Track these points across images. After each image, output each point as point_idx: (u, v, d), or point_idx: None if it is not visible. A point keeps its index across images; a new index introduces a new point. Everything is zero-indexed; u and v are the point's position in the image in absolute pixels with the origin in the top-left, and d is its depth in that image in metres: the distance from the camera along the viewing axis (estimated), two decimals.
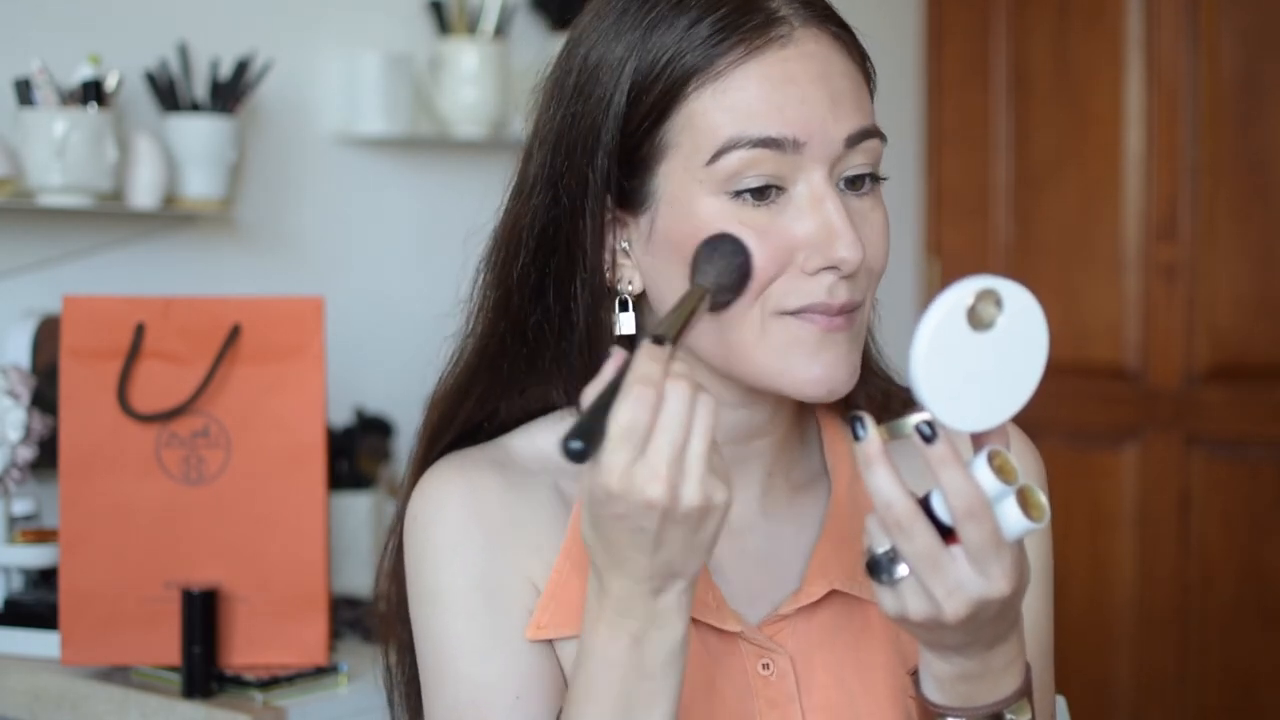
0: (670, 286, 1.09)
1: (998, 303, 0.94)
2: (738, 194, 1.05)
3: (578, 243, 1.11)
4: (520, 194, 1.14)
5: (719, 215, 1.05)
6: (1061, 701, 1.36)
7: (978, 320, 0.93)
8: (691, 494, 0.92)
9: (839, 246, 1.04)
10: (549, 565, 1.13)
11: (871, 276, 1.09)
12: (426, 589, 1.13)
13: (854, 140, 1.06)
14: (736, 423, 1.13)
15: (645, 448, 0.92)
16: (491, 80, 2.66)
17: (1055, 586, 1.20)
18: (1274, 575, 3.15)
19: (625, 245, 1.11)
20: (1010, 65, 3.42)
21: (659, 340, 0.94)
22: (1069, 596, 2.27)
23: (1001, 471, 0.94)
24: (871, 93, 1.12)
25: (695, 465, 0.93)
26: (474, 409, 1.18)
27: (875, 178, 1.09)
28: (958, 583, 0.93)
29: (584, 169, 1.09)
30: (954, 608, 0.93)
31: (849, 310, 1.07)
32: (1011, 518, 0.93)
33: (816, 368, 1.06)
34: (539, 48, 2.82)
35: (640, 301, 1.12)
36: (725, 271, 1.03)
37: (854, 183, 1.08)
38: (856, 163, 1.07)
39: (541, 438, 1.18)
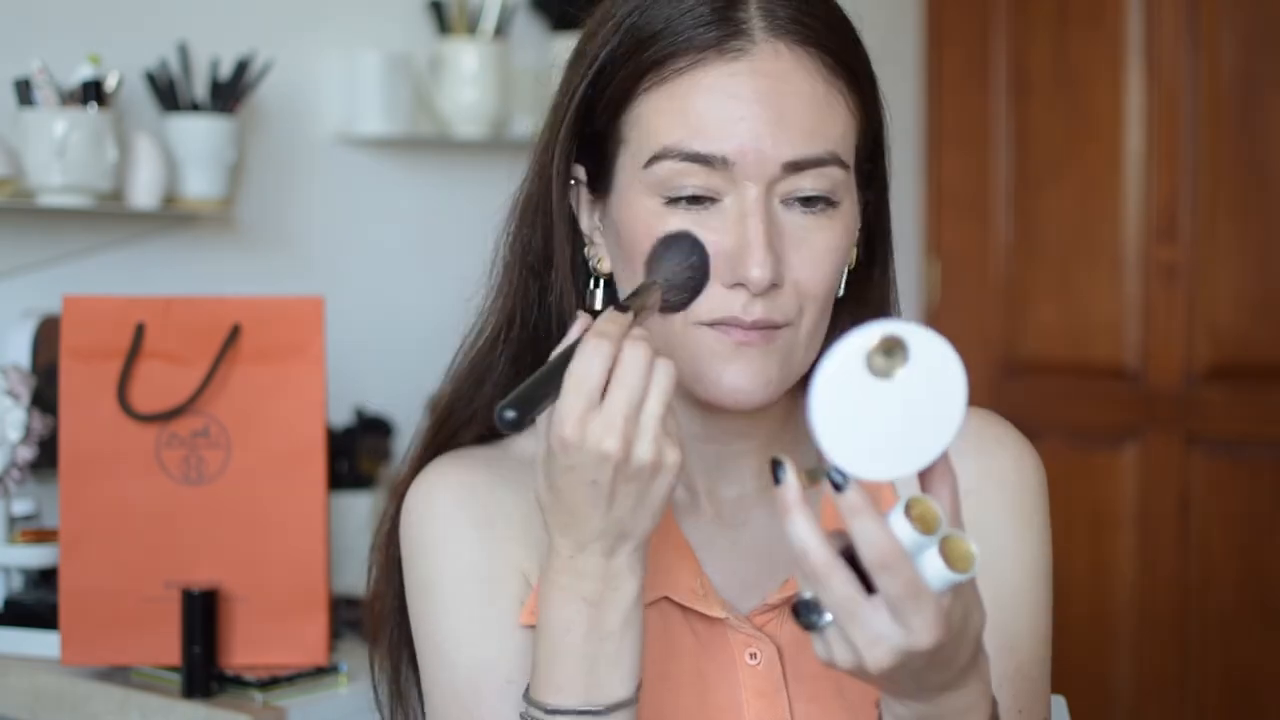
0: (621, 272, 1.11)
1: (902, 349, 0.89)
2: (672, 200, 1.06)
3: (550, 218, 1.13)
4: (530, 164, 1.17)
5: (652, 216, 1.07)
6: (1061, 701, 1.36)
7: (878, 368, 0.89)
8: (645, 450, 0.94)
9: (749, 264, 1.04)
10: (541, 557, 1.13)
11: (805, 298, 1.07)
12: (420, 581, 1.15)
13: (795, 168, 1.05)
14: (718, 425, 1.14)
15: (602, 401, 0.93)
16: (491, 80, 2.66)
17: (1055, 586, 1.20)
18: (1274, 575, 3.15)
19: (600, 225, 1.13)
20: (1010, 65, 3.42)
21: (623, 308, 0.96)
22: (1069, 596, 2.25)
23: (921, 521, 0.89)
24: (865, 111, 1.09)
25: (650, 423, 0.94)
26: (491, 392, 1.18)
27: (830, 202, 1.07)
28: (878, 634, 0.89)
29: (553, 146, 1.12)
30: (875, 658, 0.89)
31: (763, 328, 1.06)
32: (933, 569, 0.88)
33: (726, 376, 1.07)
34: (539, 48, 2.82)
35: (610, 280, 1.14)
36: (680, 271, 1.04)
37: (808, 201, 1.07)
38: (804, 186, 1.06)
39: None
